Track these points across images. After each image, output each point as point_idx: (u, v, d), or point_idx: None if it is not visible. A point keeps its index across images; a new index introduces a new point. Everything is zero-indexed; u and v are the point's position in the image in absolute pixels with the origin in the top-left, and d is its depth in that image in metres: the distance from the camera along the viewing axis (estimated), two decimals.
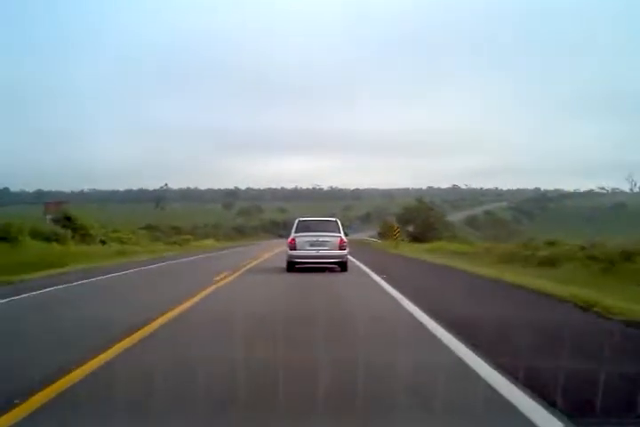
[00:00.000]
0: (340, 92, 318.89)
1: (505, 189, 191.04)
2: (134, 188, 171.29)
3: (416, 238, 54.07)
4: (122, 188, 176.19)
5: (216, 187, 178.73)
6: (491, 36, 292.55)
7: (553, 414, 4.08)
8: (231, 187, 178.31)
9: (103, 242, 37.37)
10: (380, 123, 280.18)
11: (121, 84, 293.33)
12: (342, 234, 18.33)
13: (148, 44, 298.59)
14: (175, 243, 47.54)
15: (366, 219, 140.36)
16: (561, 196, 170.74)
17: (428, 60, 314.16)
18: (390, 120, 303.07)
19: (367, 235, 73.01)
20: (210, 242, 60.74)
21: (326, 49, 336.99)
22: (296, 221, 19.21)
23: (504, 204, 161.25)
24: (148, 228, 61.41)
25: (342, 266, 18.09)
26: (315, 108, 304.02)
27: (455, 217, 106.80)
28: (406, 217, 61.13)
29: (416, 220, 58.65)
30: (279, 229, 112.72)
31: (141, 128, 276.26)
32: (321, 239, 18.04)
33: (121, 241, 40.19)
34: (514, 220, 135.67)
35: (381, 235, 61.73)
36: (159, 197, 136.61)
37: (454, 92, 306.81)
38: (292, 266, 18.14)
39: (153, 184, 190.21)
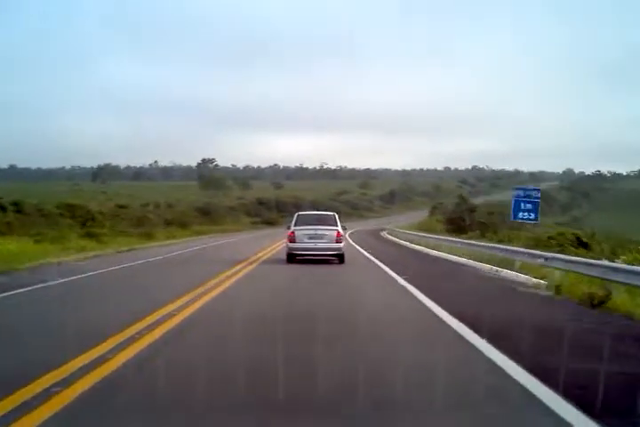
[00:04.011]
0: (350, 67, 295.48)
1: (526, 170, 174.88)
2: (122, 165, 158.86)
3: None
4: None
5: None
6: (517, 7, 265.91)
7: None
8: (228, 165, 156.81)
9: None
10: (393, 102, 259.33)
11: (108, 53, 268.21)
12: (339, 227, 18.99)
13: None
14: None
15: (390, 199, 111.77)
16: (615, 177, 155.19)
17: (442, 35, 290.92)
18: (403, 99, 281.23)
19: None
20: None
21: (337, 15, 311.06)
22: (295, 214, 20.17)
23: (555, 183, 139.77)
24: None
25: (340, 258, 18.75)
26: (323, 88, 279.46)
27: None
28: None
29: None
30: (270, 211, 78.52)
31: (132, 102, 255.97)
32: (319, 232, 18.73)
33: None
34: (572, 201, 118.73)
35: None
36: (97, 172, 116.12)
37: (474, 68, 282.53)
38: (292, 258, 18.79)
39: (141, 161, 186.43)
